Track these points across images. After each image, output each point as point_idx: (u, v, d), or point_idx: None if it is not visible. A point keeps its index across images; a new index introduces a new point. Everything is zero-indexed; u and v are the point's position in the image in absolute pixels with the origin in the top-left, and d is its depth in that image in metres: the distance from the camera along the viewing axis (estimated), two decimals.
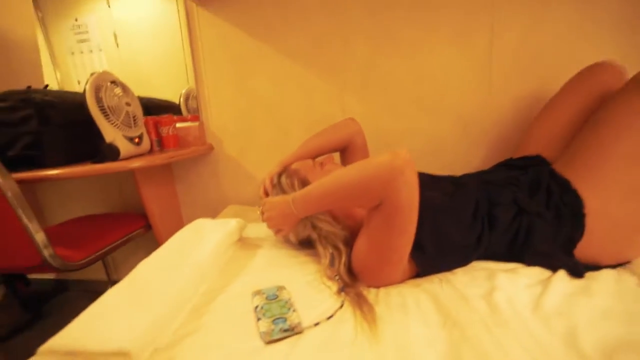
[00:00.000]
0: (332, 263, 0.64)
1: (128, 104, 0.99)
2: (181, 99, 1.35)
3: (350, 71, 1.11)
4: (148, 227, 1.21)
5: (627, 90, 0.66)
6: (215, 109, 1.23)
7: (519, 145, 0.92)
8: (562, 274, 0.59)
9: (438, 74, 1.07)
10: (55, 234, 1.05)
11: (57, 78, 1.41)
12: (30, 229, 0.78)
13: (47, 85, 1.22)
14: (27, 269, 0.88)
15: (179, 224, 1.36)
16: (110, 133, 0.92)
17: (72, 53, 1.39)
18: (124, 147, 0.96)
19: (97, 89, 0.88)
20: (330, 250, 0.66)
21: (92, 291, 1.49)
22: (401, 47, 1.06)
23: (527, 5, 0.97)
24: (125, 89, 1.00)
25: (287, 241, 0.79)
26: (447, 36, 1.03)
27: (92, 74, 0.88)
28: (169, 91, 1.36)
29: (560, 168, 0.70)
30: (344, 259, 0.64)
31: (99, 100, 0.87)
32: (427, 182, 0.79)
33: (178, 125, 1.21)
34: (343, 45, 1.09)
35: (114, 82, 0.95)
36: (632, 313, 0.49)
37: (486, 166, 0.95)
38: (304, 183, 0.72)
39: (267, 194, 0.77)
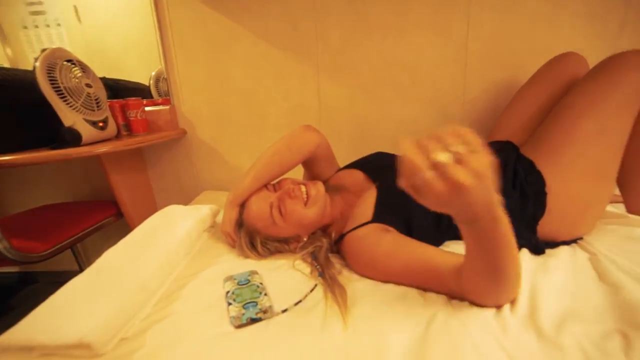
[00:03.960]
0: (314, 257, 0.65)
1: (89, 85, 0.92)
2: (151, 81, 1.28)
3: (325, 54, 1.08)
4: (119, 214, 1.17)
5: (584, 80, 0.70)
6: (187, 93, 1.18)
7: (491, 132, 0.95)
8: (524, 252, 0.62)
9: (412, 58, 1.06)
10: (13, 224, 0.99)
11: (7, 55, 1.27)
12: None
13: None
14: None
15: (152, 211, 1.30)
16: (70, 116, 0.86)
17: (25, 27, 1.26)
18: (87, 132, 0.90)
19: (51, 68, 0.81)
20: (312, 250, 0.67)
21: (63, 282, 1.43)
22: (374, 31, 1.05)
23: None
24: (85, 68, 0.92)
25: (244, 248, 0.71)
26: (422, 22, 1.02)
27: (42, 51, 0.81)
28: (139, 73, 1.27)
29: (526, 151, 0.74)
30: (324, 249, 0.65)
31: (53, 80, 0.80)
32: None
33: (147, 108, 1.15)
34: (318, 28, 1.06)
35: (71, 61, 0.87)
36: (579, 285, 0.52)
37: None
38: (267, 237, 0.68)
39: (233, 242, 0.72)
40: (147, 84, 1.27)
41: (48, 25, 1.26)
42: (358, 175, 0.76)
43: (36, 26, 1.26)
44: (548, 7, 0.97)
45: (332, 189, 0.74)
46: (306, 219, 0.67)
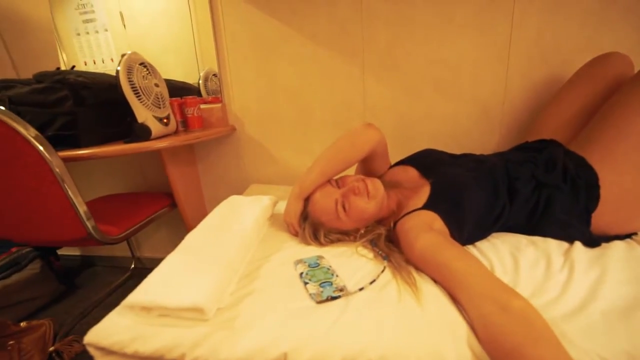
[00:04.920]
0: (373, 244, 0.70)
1: (157, 85, 1.01)
2: (200, 81, 1.36)
3: (370, 54, 1.13)
4: (173, 205, 1.26)
5: (637, 79, 0.70)
6: (237, 91, 1.25)
7: (530, 130, 0.95)
8: (578, 244, 0.64)
9: (454, 58, 1.09)
10: (90, 210, 1.10)
11: (63, 60, 1.39)
12: (75, 203, 0.82)
13: (73, 67, 1.22)
14: (70, 242, 0.93)
15: (201, 203, 1.41)
16: (142, 113, 0.95)
17: (78, 34, 1.37)
18: (155, 127, 0.99)
19: (129, 70, 0.90)
20: (371, 238, 0.72)
21: (117, 266, 1.57)
22: (418, 32, 1.08)
23: None
24: (152, 70, 1.01)
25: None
26: (466, 22, 1.04)
27: (122, 55, 0.90)
28: (177, 73, 1.36)
29: (574, 148, 0.75)
30: (383, 236, 0.71)
31: (130, 81, 0.89)
32: (448, 160, 0.84)
33: (202, 106, 1.23)
34: (363, 29, 1.10)
35: (143, 64, 0.96)
36: None
37: (502, 149, 1.00)
38: (330, 230, 0.73)
39: (296, 232, 0.78)
40: (192, 83, 1.35)
41: (97, 32, 1.37)
42: (412, 172, 0.81)
43: (87, 33, 1.37)
44: (594, 5, 0.96)
45: (387, 184, 0.79)
46: (366, 213, 0.72)
